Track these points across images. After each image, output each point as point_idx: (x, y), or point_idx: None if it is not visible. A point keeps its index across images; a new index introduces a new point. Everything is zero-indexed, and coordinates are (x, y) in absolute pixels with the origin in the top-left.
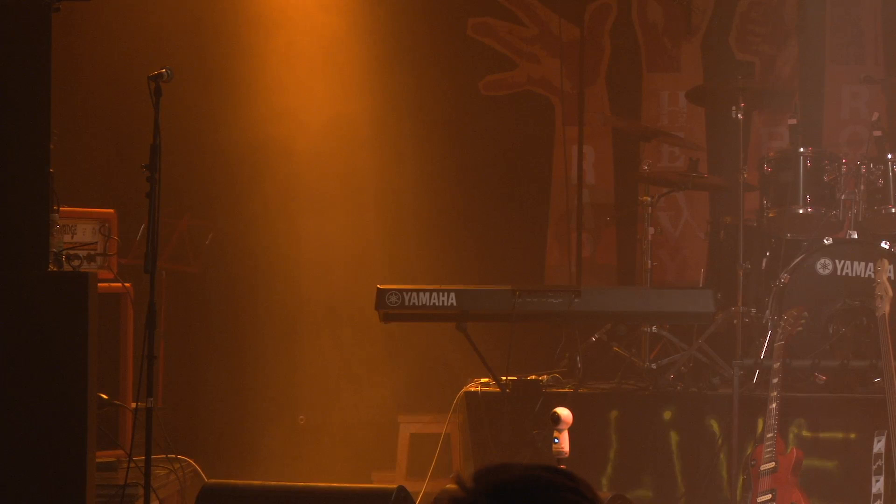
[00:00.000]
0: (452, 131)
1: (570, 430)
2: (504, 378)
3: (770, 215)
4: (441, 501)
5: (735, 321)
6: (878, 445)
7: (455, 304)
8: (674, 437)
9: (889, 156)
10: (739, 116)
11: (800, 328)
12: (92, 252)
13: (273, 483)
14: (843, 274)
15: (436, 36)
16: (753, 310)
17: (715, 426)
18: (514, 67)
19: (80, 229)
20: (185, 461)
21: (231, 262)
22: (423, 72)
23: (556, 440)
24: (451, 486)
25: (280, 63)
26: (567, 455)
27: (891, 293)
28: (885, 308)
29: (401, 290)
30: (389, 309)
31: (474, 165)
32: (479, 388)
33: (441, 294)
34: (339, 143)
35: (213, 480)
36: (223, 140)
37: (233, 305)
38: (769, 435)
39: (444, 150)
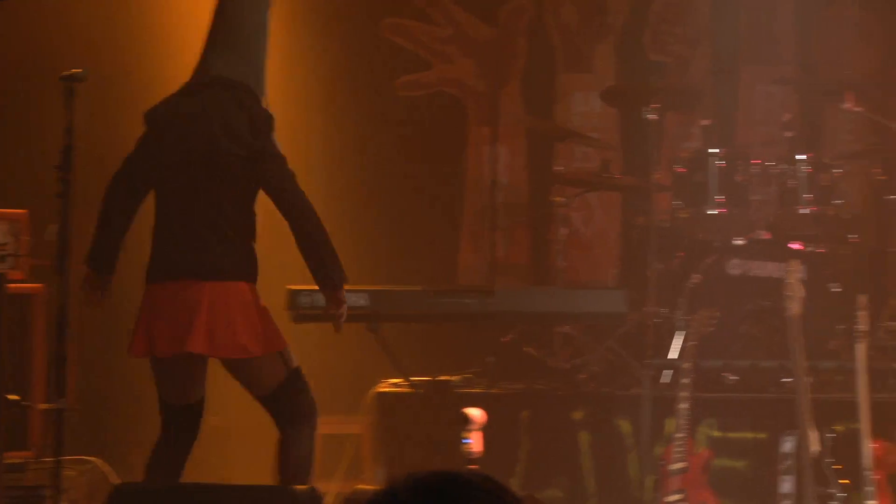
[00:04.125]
0: (366, 131)
1: (482, 431)
2: (415, 378)
3: (682, 216)
4: (355, 501)
5: (646, 321)
6: (787, 445)
7: (367, 304)
8: (584, 437)
9: (800, 156)
10: (652, 117)
11: (711, 328)
12: (2, 253)
13: (183, 483)
14: (754, 274)
15: (350, 36)
16: (665, 310)
17: (625, 426)
18: (428, 67)
19: None
20: (96, 462)
21: (142, 264)
22: (338, 72)
23: (468, 440)
24: (362, 486)
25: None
26: (478, 455)
27: (801, 294)
28: (796, 308)
29: (312, 291)
30: (301, 310)
31: (387, 165)
32: (390, 389)
33: (353, 294)
34: None
35: (123, 481)
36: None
37: None
38: (679, 435)
39: (358, 149)
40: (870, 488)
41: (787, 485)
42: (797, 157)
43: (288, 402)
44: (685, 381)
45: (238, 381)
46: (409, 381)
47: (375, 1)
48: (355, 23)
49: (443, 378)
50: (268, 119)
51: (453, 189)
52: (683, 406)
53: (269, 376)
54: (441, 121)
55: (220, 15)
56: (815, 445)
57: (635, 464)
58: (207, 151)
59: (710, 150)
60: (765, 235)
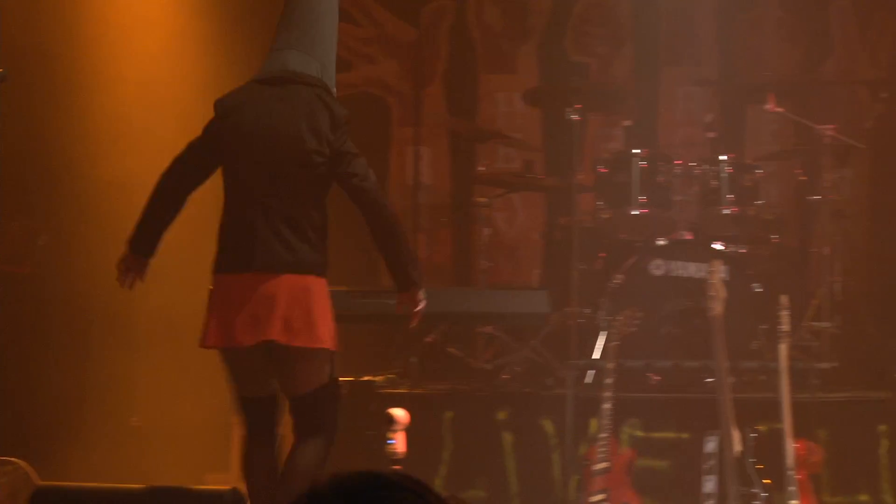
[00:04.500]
0: None
1: (405, 431)
2: (339, 379)
3: (604, 216)
4: (278, 502)
5: (569, 322)
6: (710, 445)
7: None
8: (508, 437)
9: (722, 157)
10: (575, 118)
11: (633, 329)
12: None
13: (106, 485)
14: (677, 275)
15: (272, 37)
16: (588, 310)
17: (549, 426)
18: (350, 68)
19: None
20: (17, 463)
21: (68, 264)
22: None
23: (391, 441)
24: None
25: (117, 64)
26: (402, 456)
27: (723, 294)
28: (718, 309)
29: None
30: None
31: None
32: None
33: None
34: (177, 148)
35: (45, 483)
36: (63, 141)
37: (69, 307)
38: (602, 435)
39: None
40: (792, 488)
41: (710, 484)
42: (719, 157)
43: (318, 407)
44: (608, 381)
45: (282, 377)
46: None
47: None
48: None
49: (366, 378)
50: (346, 117)
51: None
52: (606, 406)
53: (316, 374)
54: (363, 121)
55: (292, 11)
56: (737, 445)
57: (558, 464)
58: (291, 147)
59: (632, 151)
60: (687, 236)
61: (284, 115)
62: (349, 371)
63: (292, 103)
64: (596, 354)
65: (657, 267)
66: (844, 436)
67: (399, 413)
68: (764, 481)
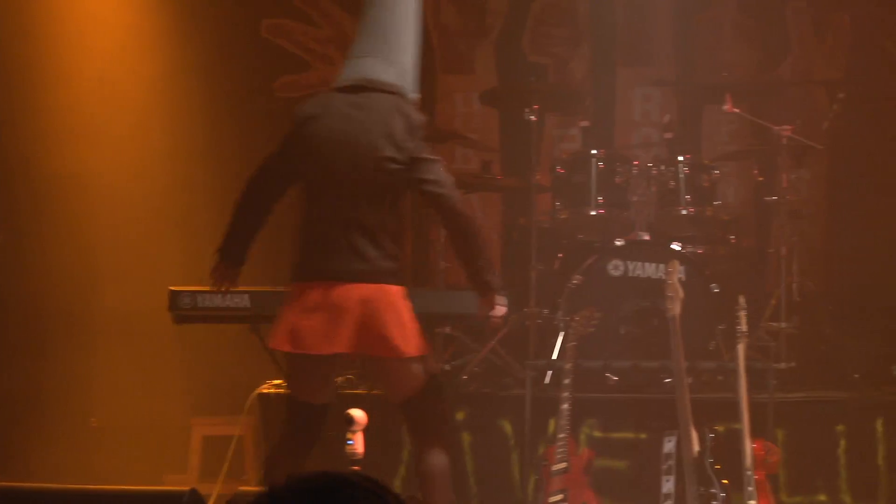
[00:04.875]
0: (246, 132)
1: (364, 432)
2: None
3: (562, 216)
4: (237, 503)
5: (528, 322)
6: (669, 446)
7: (248, 305)
8: (466, 437)
9: (680, 158)
10: (532, 118)
11: (591, 329)
12: None
13: (64, 486)
14: (635, 275)
15: (229, 36)
16: (546, 311)
17: (507, 427)
18: (308, 69)
19: None
20: None
21: (25, 263)
22: (217, 73)
23: (350, 441)
24: (244, 487)
25: (72, 60)
26: (361, 456)
27: (681, 294)
28: (676, 309)
29: (193, 292)
30: (182, 310)
31: None
32: (272, 390)
33: (234, 295)
34: (132, 145)
35: (2, 483)
36: (16, 141)
37: (26, 307)
38: (561, 435)
39: (237, 151)
40: (751, 488)
41: (668, 485)
42: (677, 158)
43: (423, 410)
44: (567, 381)
45: (379, 384)
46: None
47: (255, 1)
48: (235, 23)
49: None
50: (422, 123)
51: None
52: (565, 406)
53: (410, 380)
54: None
55: (369, 18)
56: (695, 445)
57: (517, 464)
58: (366, 154)
59: (590, 152)
60: (645, 236)
61: (360, 122)
62: None
63: (368, 111)
64: (554, 355)
65: (615, 267)
66: (802, 436)
67: (358, 414)
68: (722, 481)
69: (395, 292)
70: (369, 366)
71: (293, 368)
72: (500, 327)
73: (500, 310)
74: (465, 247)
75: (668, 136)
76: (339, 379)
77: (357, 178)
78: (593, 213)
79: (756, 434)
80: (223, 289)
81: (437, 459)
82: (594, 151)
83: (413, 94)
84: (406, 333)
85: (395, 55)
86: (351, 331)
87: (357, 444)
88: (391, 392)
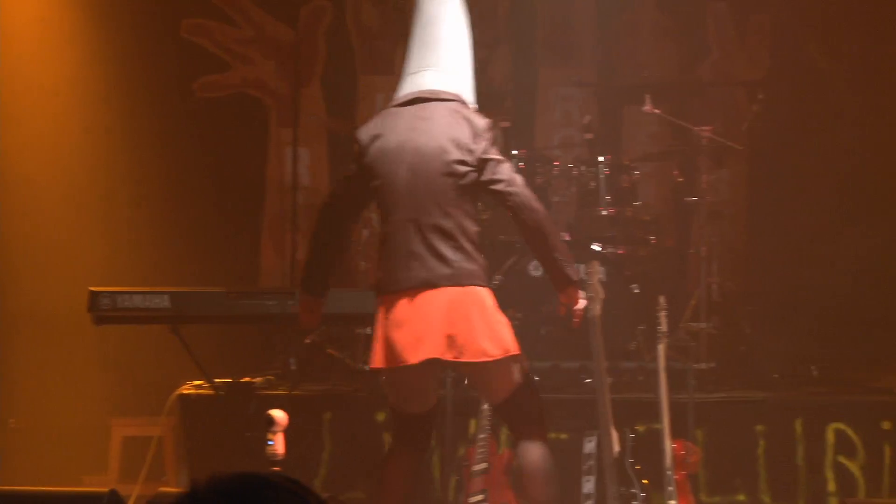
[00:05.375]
0: (166, 132)
1: (285, 433)
2: (218, 380)
3: (484, 217)
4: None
5: None
6: (589, 446)
7: (169, 306)
8: (387, 438)
9: (600, 158)
10: None
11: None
12: None
13: None
14: None
15: (149, 36)
16: None
17: None
18: (228, 69)
19: None
20: None
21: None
22: (136, 73)
23: (271, 442)
24: (164, 488)
25: (14, 66)
26: (281, 457)
27: (602, 295)
28: (596, 310)
29: (113, 293)
30: (102, 311)
31: (189, 167)
32: (192, 391)
33: (154, 296)
34: (51, 144)
35: None
36: None
37: None
38: (481, 436)
39: (158, 150)
40: (671, 488)
41: (588, 485)
42: (597, 158)
43: (519, 409)
44: None
45: (474, 387)
46: (211, 382)
47: (175, 1)
48: (154, 23)
49: (245, 380)
50: (488, 126)
51: (255, 191)
52: (485, 407)
53: (505, 381)
54: (242, 122)
55: (422, 32)
56: (616, 445)
57: (438, 465)
58: (436, 160)
59: (511, 152)
60: (565, 237)
61: (425, 131)
62: (228, 373)
63: (431, 119)
64: None
65: (536, 268)
66: (722, 436)
67: (278, 414)
68: (642, 481)
69: (481, 294)
70: (462, 369)
71: (391, 382)
72: (581, 320)
73: (583, 303)
74: (542, 243)
75: (589, 136)
76: (259, 379)
77: (430, 184)
78: None
79: (676, 434)
80: (314, 323)
81: (539, 454)
82: (515, 152)
83: (472, 103)
84: (495, 335)
85: (451, 66)
86: (440, 337)
87: (278, 444)
88: (487, 394)
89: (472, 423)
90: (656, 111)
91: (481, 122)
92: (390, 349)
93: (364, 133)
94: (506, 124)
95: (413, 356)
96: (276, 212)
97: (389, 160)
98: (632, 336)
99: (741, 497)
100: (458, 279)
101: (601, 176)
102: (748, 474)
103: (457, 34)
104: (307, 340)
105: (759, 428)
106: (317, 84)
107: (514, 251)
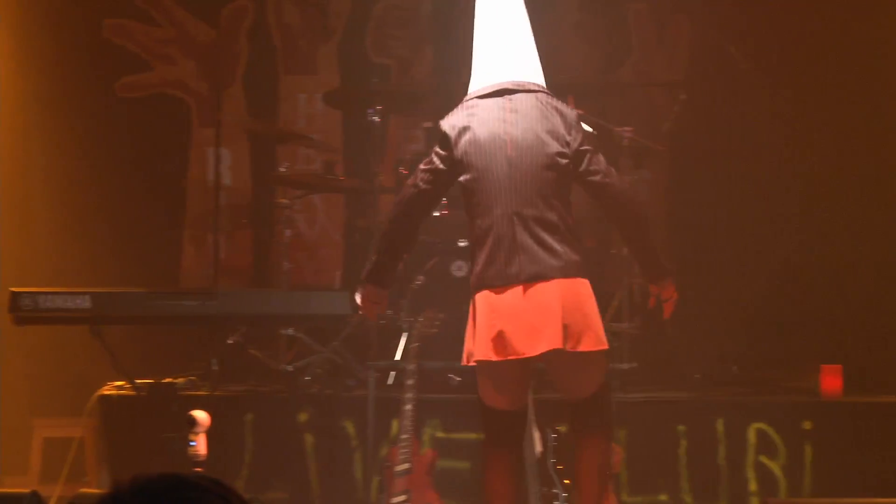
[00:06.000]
0: (87, 132)
1: (207, 433)
2: (139, 381)
3: None
4: None
5: (370, 323)
6: None
7: (89, 306)
8: (309, 439)
9: None
10: (375, 119)
11: (435, 330)
12: None
13: None
14: None
15: (70, 37)
16: (389, 311)
17: (350, 428)
18: (149, 69)
19: None
20: None
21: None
22: (57, 73)
23: (193, 443)
24: (85, 490)
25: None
26: (203, 458)
27: None
28: None
29: (34, 294)
30: (22, 312)
31: (109, 167)
32: (113, 392)
33: (75, 297)
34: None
35: None
36: None
37: None
38: (404, 436)
39: (78, 151)
40: None
41: None
42: None
43: (601, 405)
44: (410, 382)
45: (564, 381)
46: (132, 383)
47: (96, 1)
48: (75, 23)
49: (167, 380)
50: (577, 117)
51: (176, 191)
52: (408, 407)
53: (597, 374)
54: (163, 122)
55: (488, 27)
56: (538, 446)
57: (360, 465)
58: (536, 152)
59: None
60: None
61: (518, 123)
62: (150, 373)
63: (523, 112)
64: (397, 356)
65: (458, 268)
66: (643, 436)
67: (200, 415)
68: (564, 481)
69: (587, 285)
70: (556, 362)
71: (492, 378)
72: (671, 312)
73: (674, 295)
74: (638, 234)
75: None
76: (180, 380)
77: (532, 177)
78: (436, 213)
79: None
80: (377, 315)
81: (602, 457)
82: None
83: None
84: (601, 326)
85: (528, 56)
86: (558, 327)
87: (200, 445)
88: (579, 386)
89: (395, 424)
90: (579, 111)
91: (572, 113)
92: (502, 343)
93: (450, 125)
94: (428, 124)
95: (531, 349)
96: (198, 212)
97: (484, 153)
98: None
99: (663, 497)
100: (567, 271)
101: None
102: (670, 474)
103: (523, 24)
104: (229, 341)
105: (680, 428)
106: (238, 84)
107: (436, 251)
